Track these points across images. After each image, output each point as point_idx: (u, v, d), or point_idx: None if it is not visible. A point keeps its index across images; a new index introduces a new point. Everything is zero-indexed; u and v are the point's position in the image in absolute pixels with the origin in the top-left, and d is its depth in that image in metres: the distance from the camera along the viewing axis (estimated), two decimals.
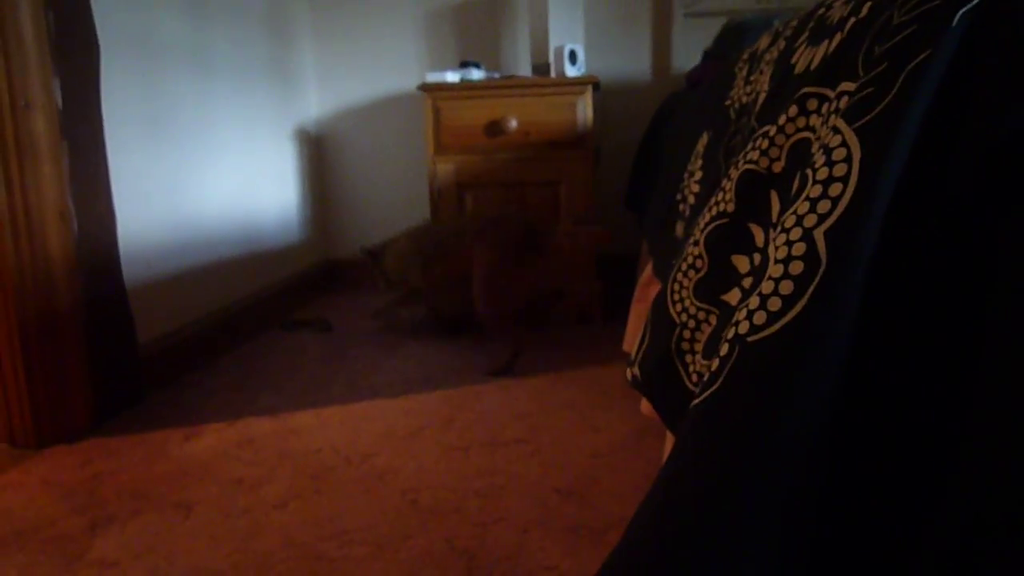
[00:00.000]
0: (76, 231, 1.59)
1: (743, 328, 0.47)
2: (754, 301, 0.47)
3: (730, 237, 0.67)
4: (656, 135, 2.21)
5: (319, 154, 3.06)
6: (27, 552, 1.16)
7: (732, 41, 2.11)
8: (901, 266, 0.44)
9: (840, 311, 0.44)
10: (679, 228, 1.14)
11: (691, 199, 1.07)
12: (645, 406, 1.23)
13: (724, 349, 0.48)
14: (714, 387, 0.47)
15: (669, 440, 1.03)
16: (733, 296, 0.66)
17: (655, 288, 1.59)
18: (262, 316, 2.43)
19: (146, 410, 1.75)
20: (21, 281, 1.51)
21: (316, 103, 3.03)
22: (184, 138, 2.04)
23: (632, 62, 2.87)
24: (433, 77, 2.33)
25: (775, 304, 0.46)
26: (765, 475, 0.44)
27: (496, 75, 2.47)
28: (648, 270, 1.62)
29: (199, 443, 1.55)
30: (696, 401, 0.49)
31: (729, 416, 0.46)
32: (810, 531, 0.44)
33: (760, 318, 0.46)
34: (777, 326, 0.45)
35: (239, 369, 2.05)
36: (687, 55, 2.77)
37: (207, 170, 2.17)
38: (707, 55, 2.35)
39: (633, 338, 1.73)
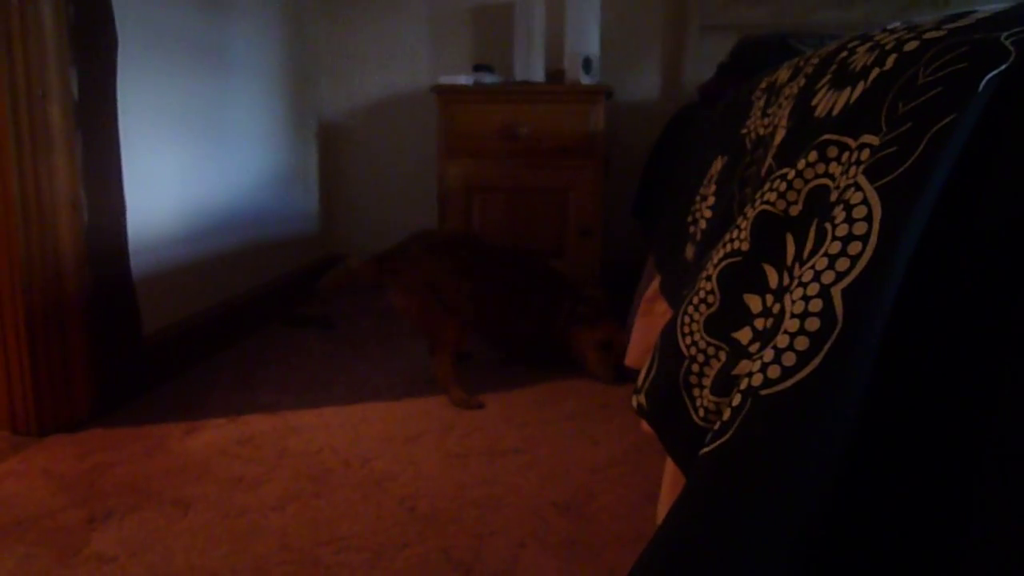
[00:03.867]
0: (86, 221, 1.60)
1: (756, 380, 0.47)
2: (769, 354, 0.47)
3: (743, 276, 0.67)
4: (667, 147, 2.22)
5: (329, 149, 3.06)
6: (26, 543, 1.17)
7: (748, 57, 2.10)
8: (918, 327, 0.45)
9: (854, 370, 0.44)
10: (689, 250, 1.14)
11: (702, 223, 1.07)
12: (646, 423, 1.23)
13: (736, 399, 0.49)
14: (725, 437, 0.48)
15: (670, 461, 1.04)
16: (744, 334, 0.66)
17: (660, 304, 1.59)
18: (265, 310, 2.43)
19: (148, 402, 1.75)
20: (30, 269, 1.51)
21: (328, 99, 3.03)
22: (196, 130, 2.05)
23: (645, 72, 2.87)
24: (446, 79, 2.33)
25: (789, 359, 0.46)
26: (773, 530, 0.44)
27: (509, 80, 2.47)
28: (654, 285, 1.62)
29: (199, 438, 1.55)
30: (707, 449, 0.49)
31: (739, 469, 0.46)
32: None
33: (774, 372, 0.47)
34: (791, 382, 0.45)
35: (241, 364, 2.06)
36: (700, 68, 2.77)
37: (217, 162, 2.17)
38: (722, 69, 2.35)
39: (636, 352, 1.73)
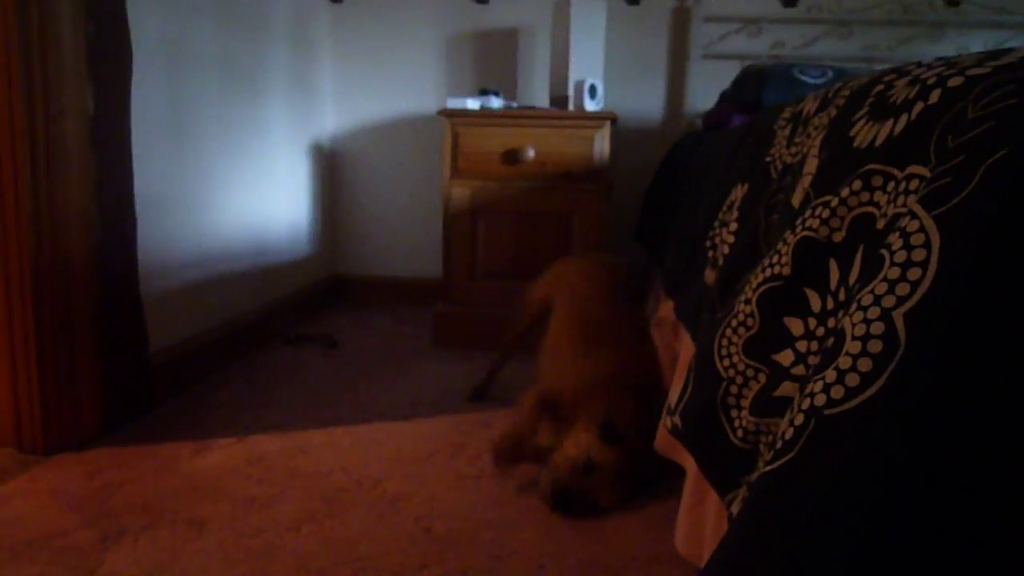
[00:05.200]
0: (98, 238, 1.60)
1: (819, 401, 0.49)
2: (831, 375, 0.49)
3: (784, 299, 0.69)
4: (671, 173, 2.25)
5: (333, 170, 3.08)
6: (39, 563, 1.16)
7: (751, 86, 2.15)
8: (978, 350, 0.46)
9: (918, 392, 0.45)
10: (708, 274, 1.16)
11: (724, 248, 1.09)
12: (659, 443, 1.24)
13: (799, 419, 0.50)
14: (790, 455, 0.49)
15: (691, 478, 1.05)
16: (785, 356, 0.68)
17: (671, 327, 1.61)
18: (268, 329, 2.43)
19: (155, 420, 1.74)
20: (40, 285, 1.51)
21: (334, 119, 3.05)
22: (204, 149, 2.06)
23: (646, 99, 2.91)
24: (454, 103, 2.35)
25: (853, 380, 0.48)
26: (840, 546, 0.45)
27: (514, 104, 2.50)
28: (665, 309, 1.64)
29: (209, 458, 1.55)
30: (770, 468, 0.50)
31: (805, 486, 0.47)
32: None
33: (838, 392, 0.48)
34: (855, 402, 0.47)
35: (246, 383, 2.05)
36: (701, 95, 2.82)
37: (225, 181, 2.18)
38: (724, 97, 2.39)
39: None
